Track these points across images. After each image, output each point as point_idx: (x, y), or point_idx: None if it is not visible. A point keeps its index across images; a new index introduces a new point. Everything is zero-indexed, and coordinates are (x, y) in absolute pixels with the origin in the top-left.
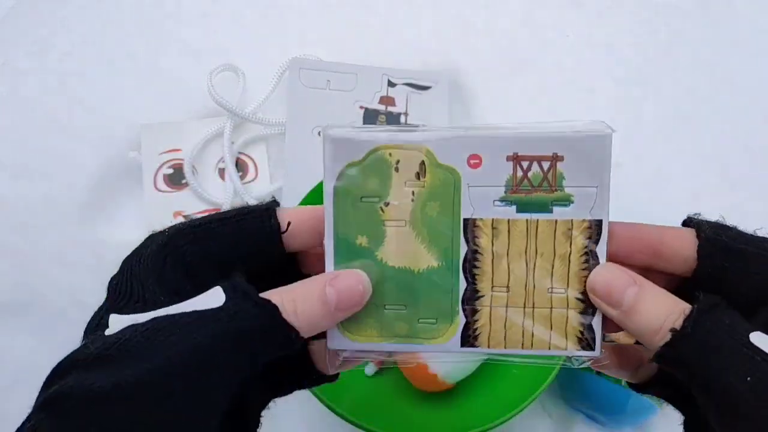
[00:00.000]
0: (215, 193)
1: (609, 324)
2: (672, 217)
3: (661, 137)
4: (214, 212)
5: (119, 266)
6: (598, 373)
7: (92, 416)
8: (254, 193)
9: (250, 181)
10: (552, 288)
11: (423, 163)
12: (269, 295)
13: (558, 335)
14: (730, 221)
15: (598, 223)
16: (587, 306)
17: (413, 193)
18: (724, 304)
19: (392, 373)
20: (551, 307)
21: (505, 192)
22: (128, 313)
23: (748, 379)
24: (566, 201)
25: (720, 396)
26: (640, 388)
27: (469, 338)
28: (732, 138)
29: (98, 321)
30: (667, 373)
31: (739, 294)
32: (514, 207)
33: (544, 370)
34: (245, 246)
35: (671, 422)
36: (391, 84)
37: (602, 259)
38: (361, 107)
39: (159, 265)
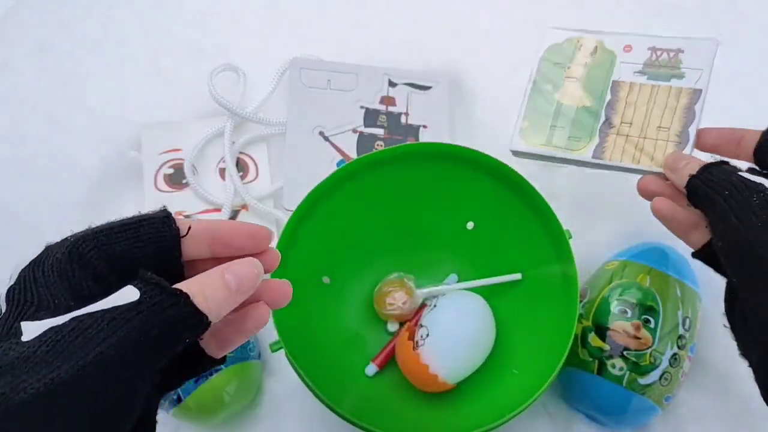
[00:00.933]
0: (216, 193)
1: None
2: None
3: None
4: (113, 221)
5: (15, 278)
6: (598, 372)
7: (26, 420)
8: (255, 193)
9: (250, 181)
10: (660, 126)
11: (596, 47)
12: (180, 286)
13: (656, 160)
14: None
15: (699, 91)
16: (681, 141)
17: (586, 63)
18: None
19: (392, 373)
20: (656, 139)
21: (643, 68)
22: (42, 319)
23: (726, 192)
24: (681, 76)
25: (719, 209)
26: (694, 254)
27: (598, 152)
28: None
29: (5, 331)
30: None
31: None
32: (645, 76)
33: (544, 371)
34: (148, 249)
35: (671, 423)
36: (391, 84)
37: (698, 114)
38: (362, 107)
39: (67, 272)
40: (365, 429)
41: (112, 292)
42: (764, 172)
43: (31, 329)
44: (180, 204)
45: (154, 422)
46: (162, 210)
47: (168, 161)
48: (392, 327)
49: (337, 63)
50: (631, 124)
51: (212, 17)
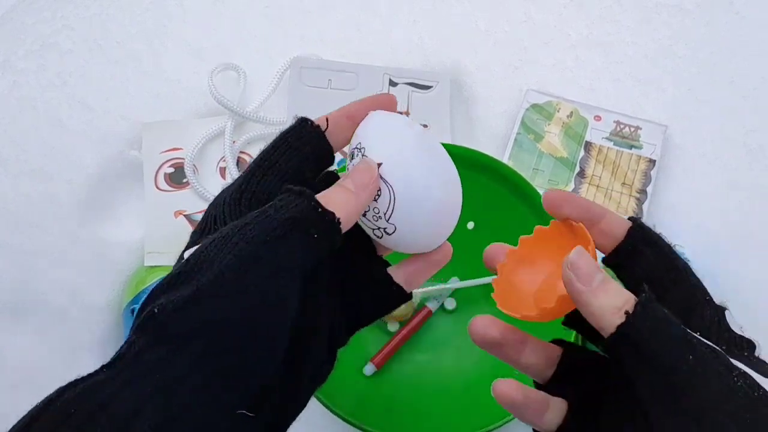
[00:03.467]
0: (216, 192)
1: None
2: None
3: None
4: (266, 148)
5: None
6: None
7: (179, 324)
8: None
9: None
10: (624, 183)
11: (572, 112)
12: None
13: (621, 207)
14: (729, 219)
15: (654, 161)
16: (640, 198)
17: (563, 123)
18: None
19: (391, 373)
20: (621, 192)
21: (609, 135)
22: None
23: (690, 357)
24: (640, 147)
25: (664, 372)
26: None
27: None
28: (731, 137)
29: (177, 261)
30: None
31: (645, 281)
32: (612, 142)
33: None
34: (302, 154)
35: None
36: (392, 83)
37: (654, 178)
38: None
39: (236, 205)
40: (363, 429)
41: None
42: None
43: (188, 255)
44: (180, 203)
45: (334, 356)
46: (296, 118)
47: (168, 160)
48: (392, 327)
49: (337, 62)
50: (600, 177)
51: (213, 17)
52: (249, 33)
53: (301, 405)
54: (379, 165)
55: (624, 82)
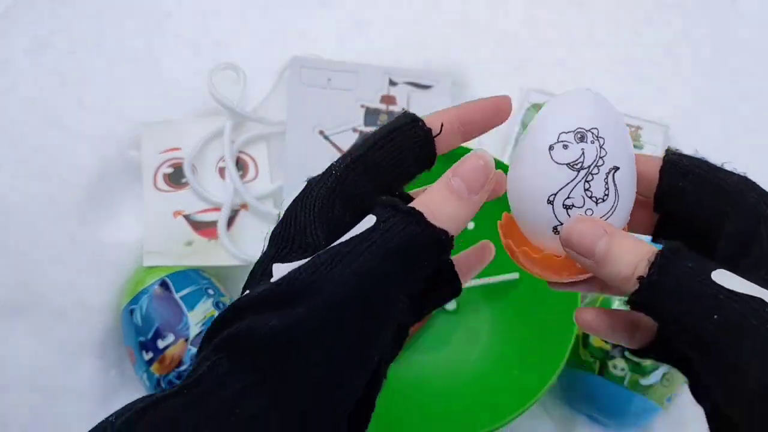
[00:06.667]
0: (215, 192)
1: (596, 283)
2: None
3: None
4: (363, 142)
5: (281, 217)
6: (600, 372)
7: (270, 353)
8: (254, 192)
9: (250, 180)
10: None
11: None
12: (415, 204)
13: None
14: None
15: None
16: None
17: None
18: (686, 249)
19: (390, 374)
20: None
21: None
22: (291, 260)
23: (715, 317)
24: (641, 146)
25: (691, 337)
26: (640, 353)
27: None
28: (733, 137)
29: (261, 271)
30: (666, 337)
31: (698, 219)
32: None
33: (545, 372)
34: (407, 158)
35: (673, 424)
36: (392, 83)
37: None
38: (362, 106)
39: (327, 210)
40: None
41: None
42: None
43: (278, 271)
44: (179, 203)
45: (401, 346)
46: (405, 114)
47: (167, 160)
48: None
49: (337, 62)
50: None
51: (212, 16)
52: (248, 32)
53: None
54: (617, 169)
55: (625, 82)
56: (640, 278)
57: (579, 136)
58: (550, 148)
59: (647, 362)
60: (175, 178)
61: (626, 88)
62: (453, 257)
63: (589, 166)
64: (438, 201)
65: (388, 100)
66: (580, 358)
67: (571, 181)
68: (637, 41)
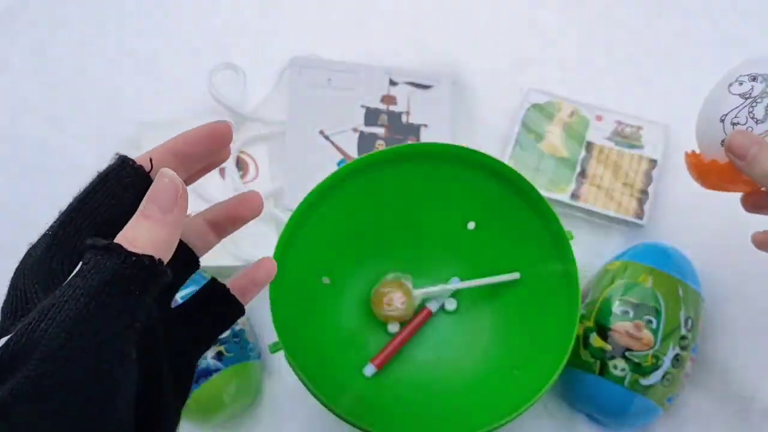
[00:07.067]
0: (215, 192)
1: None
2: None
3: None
4: (77, 195)
5: (8, 289)
6: (600, 372)
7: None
8: None
9: (250, 180)
10: (625, 183)
11: (573, 111)
12: (118, 237)
13: (623, 207)
14: (730, 219)
15: (655, 161)
16: (643, 198)
17: (564, 123)
18: None
19: (391, 374)
20: (622, 193)
21: (611, 135)
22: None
23: None
24: (641, 147)
25: None
26: None
27: (574, 195)
28: None
29: None
30: None
31: None
32: (613, 143)
33: (546, 371)
34: (126, 200)
35: (673, 424)
36: (392, 83)
37: (656, 178)
38: (363, 106)
39: (45, 271)
40: (363, 429)
41: None
42: None
43: (2, 344)
44: None
45: (192, 372)
46: (115, 157)
47: None
48: (393, 328)
49: (337, 62)
50: (601, 177)
51: (212, 16)
52: (248, 32)
53: None
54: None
55: (626, 81)
56: None
57: (752, 77)
58: (729, 84)
59: (647, 362)
60: None
61: (627, 88)
62: (229, 280)
63: (755, 97)
64: (135, 228)
65: (389, 100)
66: (580, 358)
67: (739, 105)
68: (637, 41)
